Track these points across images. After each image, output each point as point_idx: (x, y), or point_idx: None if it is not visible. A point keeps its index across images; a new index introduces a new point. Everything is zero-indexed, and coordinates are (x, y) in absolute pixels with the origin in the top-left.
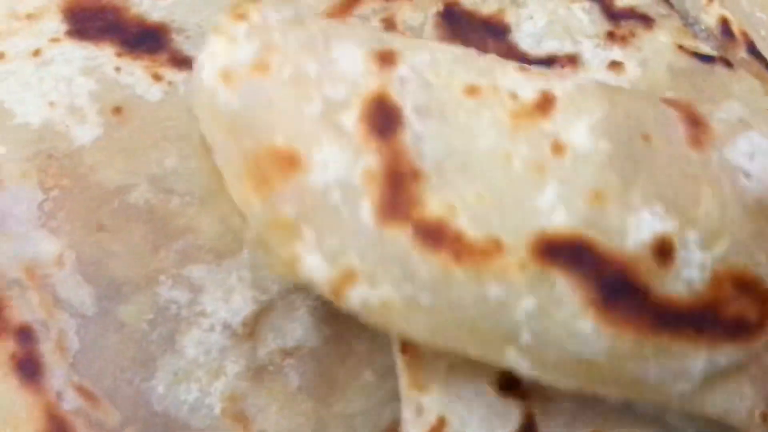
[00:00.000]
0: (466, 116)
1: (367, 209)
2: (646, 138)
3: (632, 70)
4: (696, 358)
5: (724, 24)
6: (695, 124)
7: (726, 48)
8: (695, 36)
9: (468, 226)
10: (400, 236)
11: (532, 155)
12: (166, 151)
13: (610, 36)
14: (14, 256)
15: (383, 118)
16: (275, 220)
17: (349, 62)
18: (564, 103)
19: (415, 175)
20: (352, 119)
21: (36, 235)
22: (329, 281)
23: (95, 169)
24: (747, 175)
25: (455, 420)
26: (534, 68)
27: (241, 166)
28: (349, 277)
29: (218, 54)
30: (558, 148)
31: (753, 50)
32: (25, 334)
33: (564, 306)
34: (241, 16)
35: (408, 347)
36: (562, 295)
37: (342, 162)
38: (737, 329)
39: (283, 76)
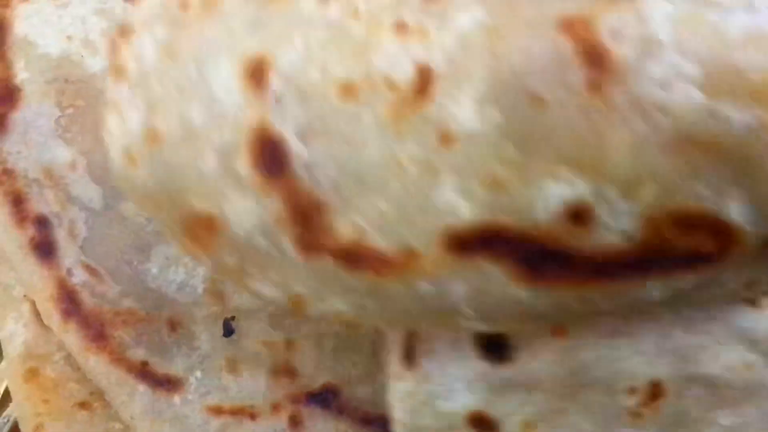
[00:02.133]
0: (348, 125)
1: (289, 247)
2: (537, 100)
3: None
4: (652, 290)
5: None
6: (593, 61)
7: None
8: None
9: (379, 241)
10: (326, 263)
11: (420, 153)
12: None
13: None
14: (34, 160)
15: (270, 156)
16: (223, 268)
17: (223, 90)
18: (443, 75)
19: (316, 206)
20: (245, 166)
21: (53, 144)
22: (288, 304)
23: (104, 93)
24: (662, 108)
25: None
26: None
27: (177, 231)
28: (300, 301)
29: (115, 133)
30: (445, 138)
31: None
32: (42, 222)
33: (495, 282)
34: (121, 72)
35: None
36: (489, 275)
37: (251, 212)
38: (694, 260)
39: (174, 137)
